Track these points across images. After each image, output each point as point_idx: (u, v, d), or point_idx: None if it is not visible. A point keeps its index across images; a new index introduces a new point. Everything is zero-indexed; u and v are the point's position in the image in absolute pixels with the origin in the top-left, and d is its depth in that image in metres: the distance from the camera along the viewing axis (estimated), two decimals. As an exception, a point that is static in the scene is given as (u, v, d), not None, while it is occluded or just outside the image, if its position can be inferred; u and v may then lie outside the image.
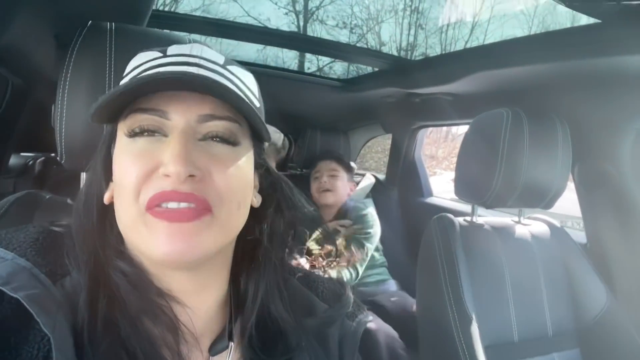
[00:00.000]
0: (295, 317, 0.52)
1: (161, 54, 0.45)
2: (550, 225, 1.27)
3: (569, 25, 1.06)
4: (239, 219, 0.46)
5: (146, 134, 0.42)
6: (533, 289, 1.14)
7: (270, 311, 0.51)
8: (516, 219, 1.27)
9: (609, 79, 1.10)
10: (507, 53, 1.20)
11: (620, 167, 1.21)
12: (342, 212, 1.90)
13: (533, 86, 1.26)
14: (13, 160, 1.68)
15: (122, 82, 0.45)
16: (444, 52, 1.49)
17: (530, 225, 1.25)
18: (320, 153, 2.16)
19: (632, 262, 1.23)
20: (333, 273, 1.63)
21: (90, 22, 0.72)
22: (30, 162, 1.78)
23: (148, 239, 0.41)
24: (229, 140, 0.44)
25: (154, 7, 1.00)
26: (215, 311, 0.50)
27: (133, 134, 0.42)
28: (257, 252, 0.51)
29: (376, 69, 1.82)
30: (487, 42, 1.18)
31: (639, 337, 1.08)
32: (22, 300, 0.35)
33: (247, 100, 0.43)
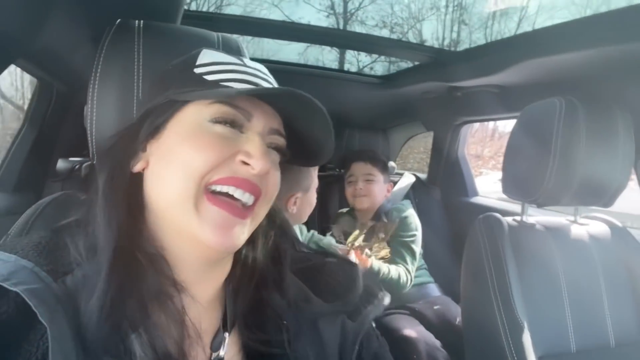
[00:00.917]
0: (288, 302, 0.54)
1: (241, 62, 0.52)
2: (610, 225, 1.16)
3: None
4: (266, 212, 0.52)
5: (227, 124, 0.47)
6: (592, 294, 1.04)
7: (263, 297, 0.53)
8: (572, 218, 1.17)
9: None
10: (557, 38, 1.10)
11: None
12: (379, 214, 1.81)
13: (589, 74, 1.16)
14: (60, 164, 1.74)
15: (211, 71, 0.50)
16: (487, 42, 1.39)
17: (588, 225, 1.14)
18: (352, 153, 2.03)
19: None
20: (393, 270, 1.57)
21: (119, 20, 0.71)
22: (77, 167, 1.84)
23: (195, 221, 0.45)
24: (283, 153, 0.53)
25: (195, 8, 1.00)
26: (215, 299, 0.53)
27: (215, 121, 0.47)
28: (254, 244, 0.56)
29: (416, 63, 1.75)
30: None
31: None
32: (21, 293, 0.37)
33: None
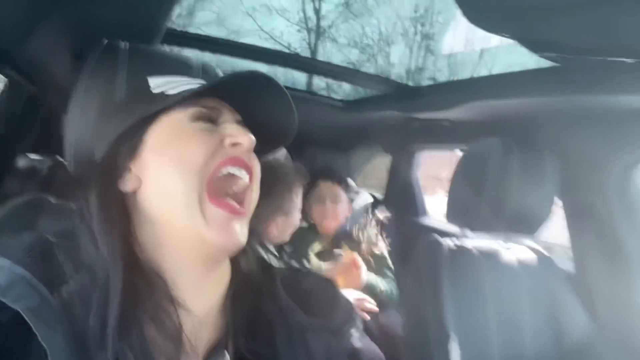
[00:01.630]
0: (280, 309, 0.56)
1: (187, 77, 0.54)
2: (537, 251, 1.31)
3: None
4: (257, 196, 0.56)
5: (205, 121, 0.51)
6: (515, 313, 1.17)
7: (258, 306, 0.55)
8: (504, 244, 1.31)
9: (594, 116, 1.15)
10: (501, 85, 1.25)
11: (606, 201, 1.25)
12: (339, 235, 1.90)
13: (525, 119, 1.31)
14: (21, 161, 1.73)
15: (169, 87, 0.51)
16: (443, 81, 1.55)
17: (517, 252, 1.28)
18: (320, 170, 2.05)
19: (614, 294, 1.26)
20: (380, 282, 1.66)
21: (105, 41, 0.77)
22: (38, 165, 1.83)
23: (202, 225, 0.47)
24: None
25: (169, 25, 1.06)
26: (211, 313, 0.53)
27: (195, 119, 0.50)
28: (246, 254, 0.57)
29: (378, 93, 1.88)
30: (494, 68, 1.23)
31: None
32: (22, 313, 0.38)
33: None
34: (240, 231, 0.50)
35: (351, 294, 1.63)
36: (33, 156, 1.89)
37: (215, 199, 0.48)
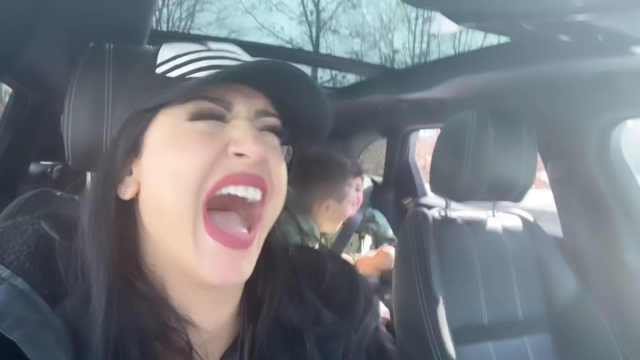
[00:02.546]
0: (303, 323, 0.51)
1: (205, 48, 0.46)
2: (523, 218, 1.35)
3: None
4: (279, 212, 0.48)
5: (208, 119, 0.42)
6: (503, 276, 1.22)
7: (280, 317, 0.50)
8: (490, 212, 1.36)
9: (568, 82, 1.19)
10: (479, 60, 1.30)
11: (587, 164, 1.29)
12: (350, 222, 1.98)
13: (503, 91, 1.36)
14: (33, 168, 1.83)
15: (173, 67, 0.44)
16: (425, 61, 1.61)
17: (502, 219, 1.33)
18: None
19: (602, 254, 1.31)
20: None
21: (91, 43, 0.84)
22: (49, 170, 1.93)
23: (194, 256, 0.41)
24: (280, 133, 0.47)
25: (172, 16, 1.13)
26: (226, 322, 0.49)
27: (194, 118, 0.41)
28: (274, 255, 0.50)
29: (365, 78, 1.94)
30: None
31: (608, 325, 1.15)
32: (18, 343, 0.34)
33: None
34: (243, 267, 0.42)
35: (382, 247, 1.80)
36: (44, 162, 2.00)
37: (212, 227, 0.41)
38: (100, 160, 0.46)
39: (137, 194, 0.44)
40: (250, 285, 0.49)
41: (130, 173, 0.44)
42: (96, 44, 0.85)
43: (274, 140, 0.46)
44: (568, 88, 1.21)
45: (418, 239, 1.18)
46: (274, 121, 0.46)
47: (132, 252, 0.44)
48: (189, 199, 0.40)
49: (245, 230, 0.44)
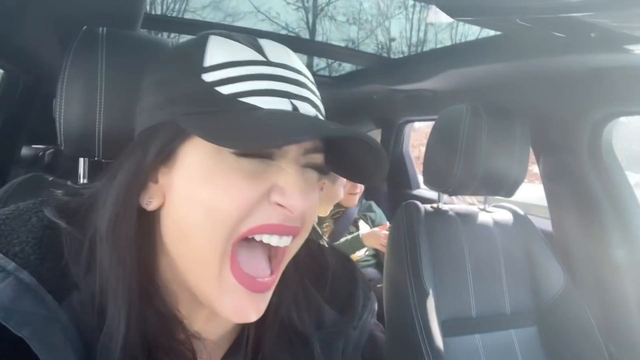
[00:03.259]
0: (307, 327, 0.51)
1: (263, 59, 0.41)
2: (514, 213, 1.36)
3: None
4: (301, 243, 0.46)
5: (255, 156, 0.39)
6: (492, 270, 1.23)
7: (284, 319, 0.50)
8: (481, 206, 1.37)
9: (562, 78, 1.19)
10: (474, 52, 1.30)
11: (579, 159, 1.30)
12: (346, 213, 2.01)
13: (496, 84, 1.36)
14: (25, 151, 1.81)
15: (225, 79, 0.39)
16: (421, 52, 1.60)
17: (493, 213, 1.34)
18: None
19: (590, 250, 1.33)
20: None
21: (85, 27, 0.83)
22: (41, 154, 1.91)
23: (216, 292, 0.40)
24: (321, 170, 0.45)
25: (164, 12, 1.12)
26: (229, 330, 0.50)
27: (242, 155, 0.38)
28: (285, 276, 0.48)
29: (362, 68, 1.93)
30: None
31: (593, 319, 1.17)
32: (27, 340, 0.34)
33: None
34: (259, 307, 0.42)
35: (363, 229, 1.85)
36: (36, 146, 1.98)
37: (237, 269, 0.40)
38: (124, 160, 0.42)
39: (161, 206, 0.42)
40: None
41: (156, 181, 0.41)
42: (89, 28, 0.84)
43: (314, 176, 0.44)
44: (562, 83, 1.21)
45: (409, 230, 1.19)
46: (319, 159, 0.44)
47: (149, 264, 0.43)
48: (221, 238, 0.38)
49: (268, 272, 0.43)
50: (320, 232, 1.82)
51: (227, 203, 0.37)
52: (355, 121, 2.62)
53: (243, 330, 0.50)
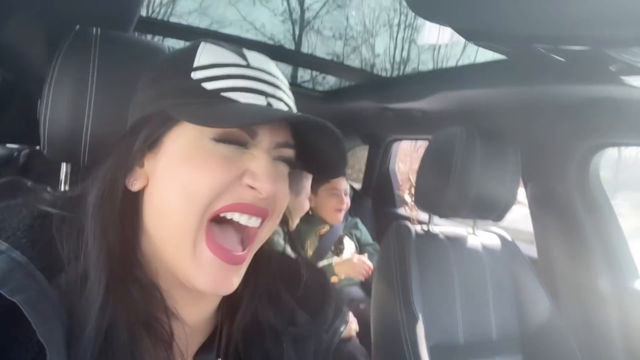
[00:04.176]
0: (279, 322, 0.54)
1: (245, 63, 0.46)
2: (501, 238, 1.36)
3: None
4: (272, 231, 0.51)
5: (231, 143, 0.44)
6: (480, 295, 1.22)
7: (257, 315, 0.53)
8: (470, 230, 1.36)
9: (555, 107, 1.21)
10: (468, 76, 1.30)
11: (567, 187, 1.31)
12: (332, 230, 1.97)
13: (488, 108, 1.37)
14: (-2, 150, 1.73)
15: (211, 77, 0.45)
16: (415, 71, 1.61)
17: (482, 237, 1.34)
18: None
19: (575, 278, 1.33)
20: None
21: (77, 26, 0.79)
22: (15, 154, 1.82)
23: (190, 264, 0.43)
24: (292, 164, 0.50)
25: (150, 14, 1.09)
26: (207, 317, 0.52)
27: (218, 140, 0.43)
28: (258, 260, 0.52)
29: (354, 84, 1.92)
30: (477, 61, 1.28)
31: (577, 348, 1.17)
32: (20, 305, 0.35)
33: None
34: (233, 281, 0.45)
35: (353, 255, 1.81)
36: (10, 145, 1.88)
37: (212, 242, 0.44)
38: (115, 147, 0.47)
39: (144, 187, 0.46)
40: None
41: (142, 165, 0.46)
42: (82, 28, 0.80)
43: (285, 169, 0.49)
44: (554, 111, 1.23)
45: (400, 252, 1.17)
46: (290, 153, 0.48)
47: (131, 240, 0.46)
48: (196, 216, 0.42)
49: (240, 247, 0.46)
50: (304, 248, 1.80)
51: (204, 182, 0.42)
52: (342, 136, 2.61)
53: (218, 321, 0.53)
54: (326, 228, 1.93)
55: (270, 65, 0.49)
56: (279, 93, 0.47)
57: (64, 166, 0.80)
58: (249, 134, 0.44)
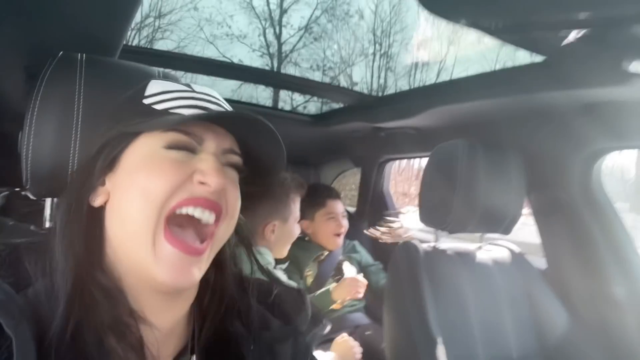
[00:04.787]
0: (249, 329, 0.57)
1: (190, 89, 0.54)
2: (511, 251, 1.32)
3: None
4: (229, 233, 0.54)
5: (181, 149, 0.49)
6: (496, 312, 1.17)
7: (227, 324, 0.56)
8: (478, 244, 1.32)
9: (553, 114, 1.19)
10: (462, 89, 1.29)
11: (571, 195, 1.28)
12: (332, 254, 1.90)
13: (488, 120, 1.35)
14: (-25, 195, 1.64)
15: (160, 100, 0.52)
16: (405, 90, 1.60)
17: (491, 251, 1.29)
18: (324, 189, 2.05)
19: (588, 286, 1.29)
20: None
21: (61, 52, 0.74)
22: (-7, 197, 1.73)
23: (151, 259, 0.46)
24: (240, 170, 0.54)
25: (130, 43, 1.05)
26: (177, 325, 0.54)
27: (169, 147, 0.49)
28: (222, 269, 0.57)
29: (344, 105, 1.90)
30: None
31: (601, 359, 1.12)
32: None
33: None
34: (194, 272, 0.48)
35: (349, 273, 1.75)
36: (-13, 189, 1.80)
37: (171, 236, 0.47)
38: (76, 172, 0.55)
39: (106, 202, 0.51)
40: (201, 295, 0.56)
41: (103, 184, 0.51)
42: (66, 53, 0.75)
43: (234, 174, 0.54)
44: (553, 119, 1.21)
45: (410, 272, 1.12)
46: (236, 159, 0.54)
47: (96, 251, 0.49)
48: (153, 213, 0.46)
49: (199, 242, 0.50)
50: (303, 277, 1.72)
51: (158, 183, 0.46)
52: (333, 159, 2.58)
53: (192, 326, 0.55)
54: (324, 254, 1.86)
55: (214, 93, 0.56)
56: (221, 110, 0.54)
57: (48, 202, 0.74)
58: (196, 141, 0.50)
